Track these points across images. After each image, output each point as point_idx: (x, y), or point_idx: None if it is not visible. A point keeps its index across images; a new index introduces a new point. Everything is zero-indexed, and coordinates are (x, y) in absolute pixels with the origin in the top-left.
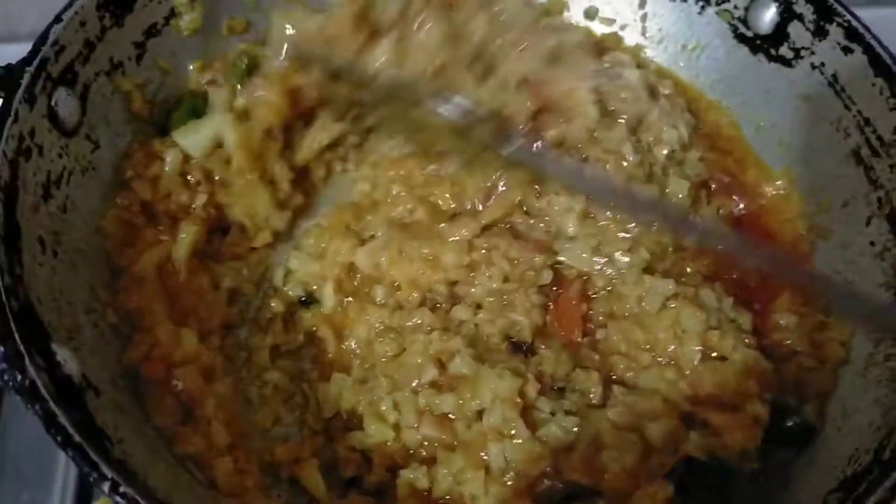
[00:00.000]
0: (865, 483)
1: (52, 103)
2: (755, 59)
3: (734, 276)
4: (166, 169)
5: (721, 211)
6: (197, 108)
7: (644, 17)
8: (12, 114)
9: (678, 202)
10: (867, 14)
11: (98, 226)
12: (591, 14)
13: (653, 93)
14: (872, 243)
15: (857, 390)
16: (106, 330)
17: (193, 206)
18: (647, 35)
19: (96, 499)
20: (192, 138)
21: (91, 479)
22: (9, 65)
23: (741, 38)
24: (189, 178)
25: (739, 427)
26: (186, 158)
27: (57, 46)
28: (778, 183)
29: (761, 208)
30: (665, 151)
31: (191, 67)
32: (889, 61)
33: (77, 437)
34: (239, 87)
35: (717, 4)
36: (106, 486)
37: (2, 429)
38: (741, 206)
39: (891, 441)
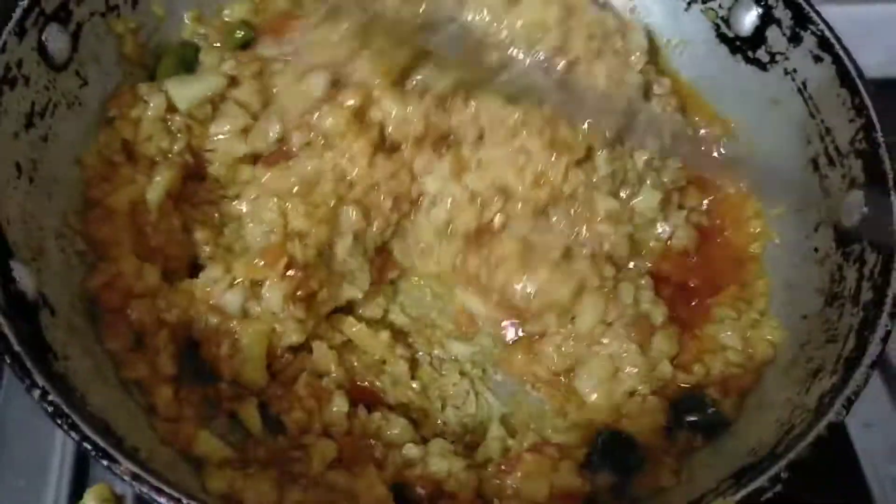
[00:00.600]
0: (754, 472)
1: (43, 38)
2: (733, 60)
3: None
4: (149, 113)
5: (690, 214)
6: (186, 57)
7: (633, 10)
8: (0, 44)
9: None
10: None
11: (78, 158)
12: None
13: (646, 93)
14: (816, 249)
15: (775, 388)
16: (72, 255)
17: (171, 151)
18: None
19: (91, 485)
20: (184, 91)
21: (25, 388)
22: None
23: (722, 37)
24: (170, 124)
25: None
26: (171, 106)
27: None
28: (741, 184)
29: (721, 205)
30: (644, 158)
31: (186, 17)
32: (854, 73)
33: (16, 346)
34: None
35: (704, 2)
36: (36, 394)
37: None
38: (705, 203)
39: (788, 436)
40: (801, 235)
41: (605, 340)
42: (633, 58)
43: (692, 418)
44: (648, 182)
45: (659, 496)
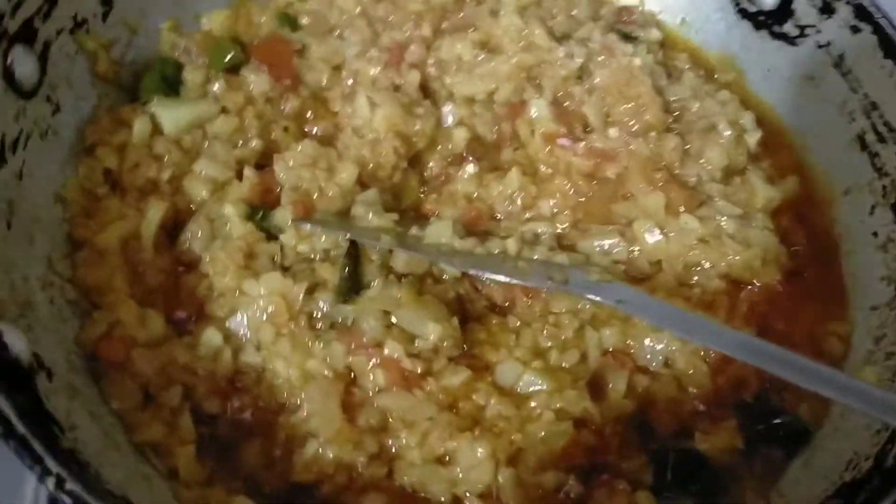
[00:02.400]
0: (865, 492)
1: (8, 62)
2: (757, 36)
3: None
4: (134, 138)
5: None
6: (167, 75)
7: None
8: None
9: None
10: None
11: (58, 194)
12: None
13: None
14: (875, 234)
15: None
16: (63, 306)
17: (160, 180)
18: (645, 7)
19: None
20: (172, 114)
21: (36, 476)
22: None
23: (743, 12)
24: (154, 150)
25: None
26: (155, 130)
27: (14, 0)
28: None
29: None
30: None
31: (162, 27)
32: None
33: (20, 428)
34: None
35: None
36: (51, 483)
37: None
38: None
39: (893, 447)
40: (856, 220)
41: None
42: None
43: (765, 425)
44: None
45: None
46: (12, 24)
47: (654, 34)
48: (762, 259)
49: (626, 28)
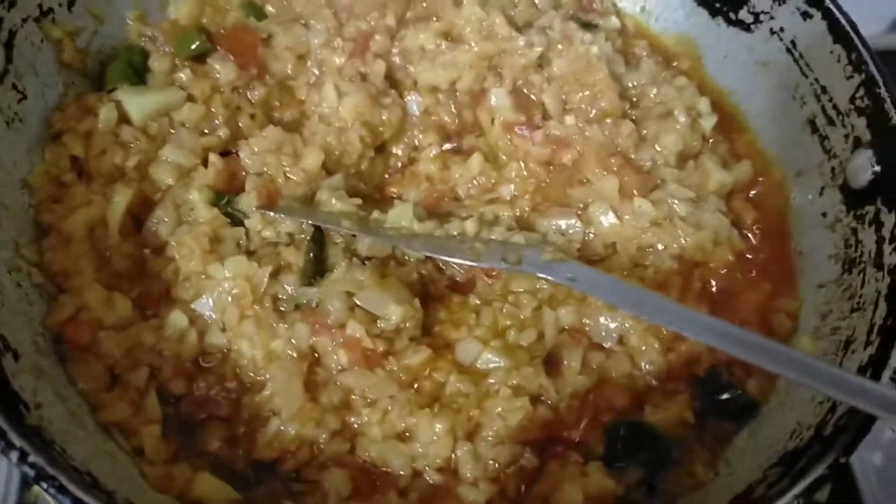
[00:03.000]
0: (805, 458)
1: None
2: (714, 23)
3: None
4: (100, 125)
5: None
6: (134, 63)
7: None
8: None
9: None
10: None
11: (24, 180)
12: None
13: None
14: (824, 214)
15: None
16: (30, 290)
17: (125, 167)
18: None
19: None
20: (138, 102)
21: None
22: None
23: (701, 0)
24: (120, 137)
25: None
26: (122, 118)
27: None
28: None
29: None
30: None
31: (128, 17)
32: (848, 27)
33: None
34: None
35: None
36: (14, 457)
37: None
38: None
39: (833, 416)
40: (806, 201)
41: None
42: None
43: (717, 398)
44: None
45: (698, 491)
46: None
47: (614, 22)
48: (714, 241)
49: (585, 16)
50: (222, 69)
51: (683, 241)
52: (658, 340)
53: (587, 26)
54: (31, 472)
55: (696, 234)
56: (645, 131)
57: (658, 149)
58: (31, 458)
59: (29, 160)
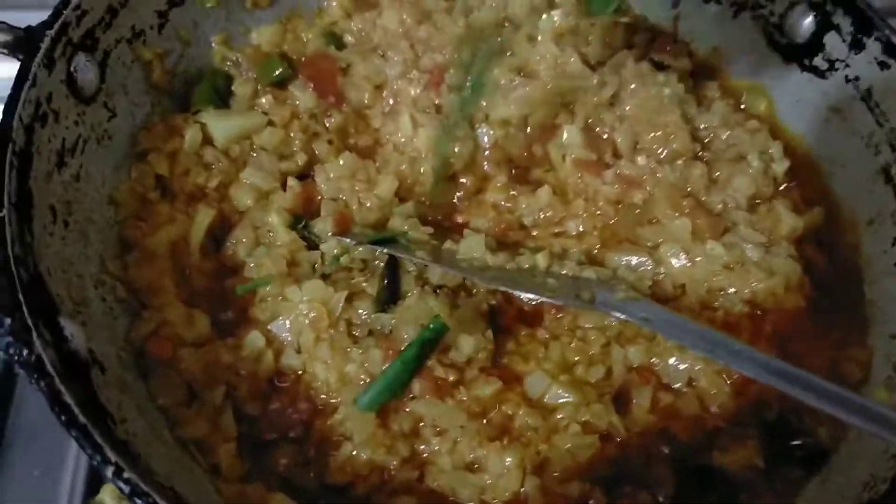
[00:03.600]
0: None
1: (72, 69)
2: (787, 68)
3: None
4: (185, 146)
5: None
6: (218, 86)
7: (676, 17)
8: (30, 78)
9: None
10: None
11: (111, 196)
12: (622, 10)
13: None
14: None
15: None
16: (114, 304)
17: (207, 187)
18: (678, 35)
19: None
20: (222, 125)
21: (94, 463)
22: (29, 27)
23: (775, 45)
24: (203, 158)
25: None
26: (205, 139)
27: (79, 10)
28: None
29: None
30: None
31: (213, 41)
32: None
33: (82, 418)
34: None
35: (753, 9)
36: (109, 471)
37: (16, 404)
38: None
39: None
40: (878, 250)
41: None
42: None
43: (787, 444)
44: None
45: None
46: (76, 34)
47: (686, 63)
48: (785, 286)
49: (658, 56)
50: (302, 96)
51: (755, 286)
52: (727, 384)
53: (660, 66)
54: (126, 488)
55: (768, 279)
56: (717, 174)
57: (730, 192)
58: (126, 474)
59: (116, 177)
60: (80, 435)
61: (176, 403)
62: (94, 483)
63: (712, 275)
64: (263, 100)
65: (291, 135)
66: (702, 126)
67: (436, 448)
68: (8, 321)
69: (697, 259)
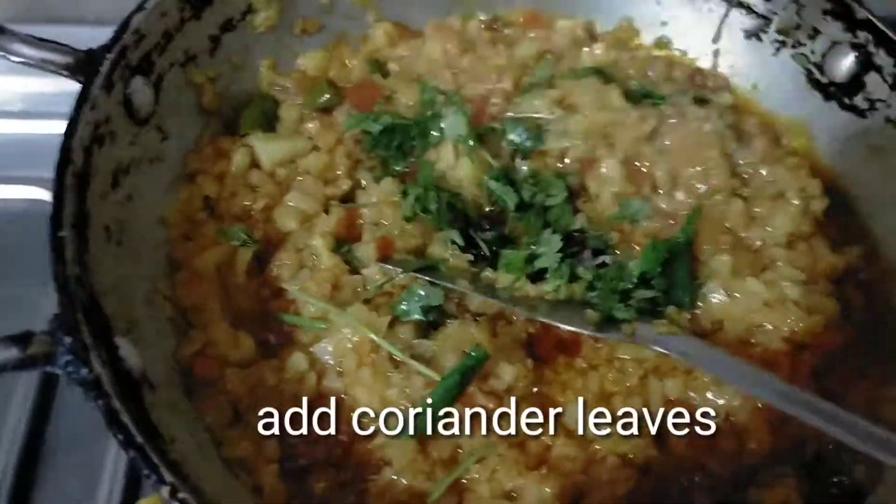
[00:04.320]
0: None
1: (128, 91)
2: (827, 106)
3: None
4: (233, 168)
5: None
6: (266, 109)
7: (717, 53)
8: (90, 100)
9: None
10: None
11: (161, 217)
12: (662, 44)
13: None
14: None
15: None
16: (162, 324)
17: (253, 209)
18: (718, 70)
19: (145, 493)
20: (269, 148)
21: (151, 483)
22: (90, 50)
23: (815, 83)
24: (250, 180)
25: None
26: (253, 162)
27: (137, 35)
28: None
29: None
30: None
31: (261, 65)
32: None
33: (139, 438)
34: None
35: (794, 47)
36: (165, 492)
37: (54, 415)
38: None
39: None
40: None
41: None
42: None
43: (825, 483)
44: None
45: None
46: (134, 56)
47: (726, 98)
48: (825, 324)
49: (698, 92)
50: (346, 117)
51: (794, 324)
52: (765, 421)
53: (701, 101)
54: None
55: (808, 318)
56: (757, 209)
57: (769, 229)
58: (181, 495)
59: (166, 198)
60: (137, 455)
61: (222, 423)
62: (130, 492)
63: (751, 311)
64: (310, 125)
65: (336, 160)
66: (741, 161)
67: (475, 476)
68: (68, 340)
69: (736, 295)
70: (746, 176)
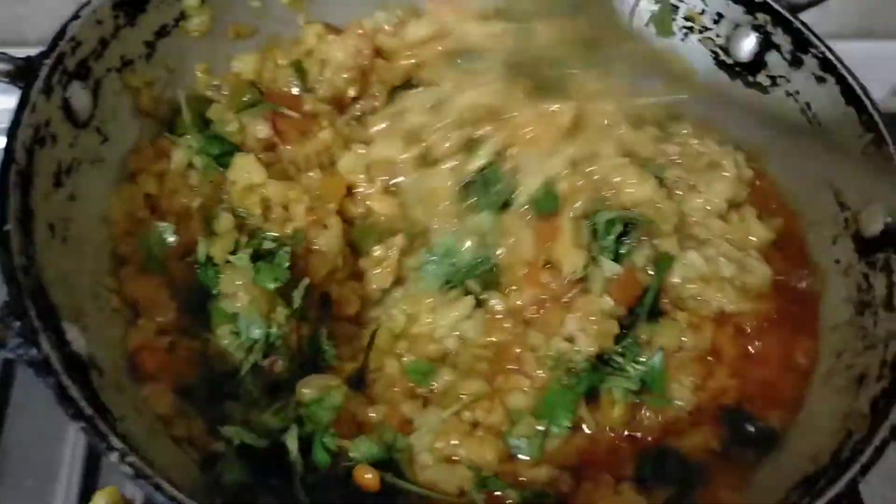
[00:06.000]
0: (823, 480)
1: (67, 95)
2: (733, 84)
3: None
4: (171, 167)
5: None
6: (202, 111)
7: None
8: (31, 104)
9: None
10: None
11: (104, 215)
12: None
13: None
14: (838, 261)
15: (819, 399)
16: (108, 314)
17: (192, 206)
18: None
19: (101, 488)
20: (203, 147)
21: (100, 451)
22: (28, 57)
23: (721, 64)
24: (189, 179)
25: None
26: (190, 162)
27: (73, 42)
28: None
29: None
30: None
31: (197, 69)
32: (860, 91)
33: (88, 410)
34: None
35: (700, 32)
36: (114, 457)
37: (10, 416)
38: None
39: (849, 442)
40: (822, 249)
41: None
42: None
43: (742, 430)
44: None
45: None
46: (71, 63)
47: None
48: (755, 294)
49: None
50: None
51: (726, 305)
52: (690, 378)
53: None
54: (131, 471)
55: (741, 297)
56: (692, 182)
57: (709, 196)
58: (130, 458)
59: (108, 197)
60: (86, 426)
61: (168, 411)
62: (87, 492)
63: (688, 282)
64: (232, 126)
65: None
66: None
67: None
68: (17, 324)
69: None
70: (679, 148)
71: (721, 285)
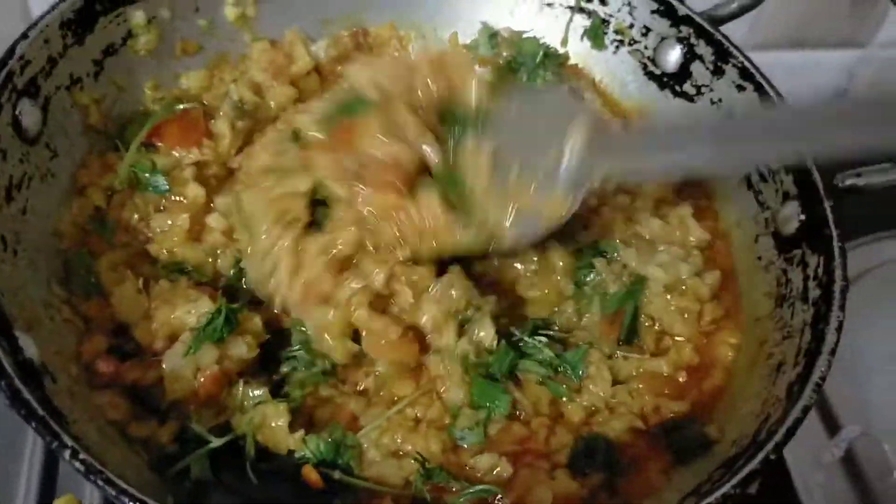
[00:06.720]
0: (742, 459)
1: (17, 112)
2: (662, 94)
3: None
4: (118, 182)
5: None
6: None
7: (566, 55)
8: None
9: None
10: (759, 57)
11: (55, 228)
12: None
13: None
14: (759, 258)
15: (742, 387)
16: (61, 324)
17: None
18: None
19: (59, 496)
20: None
21: (53, 448)
22: None
23: (650, 74)
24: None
25: None
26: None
27: (22, 60)
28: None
29: None
30: None
31: (145, 87)
32: (774, 97)
33: (40, 411)
34: None
35: (630, 45)
36: (67, 454)
37: None
38: None
39: (767, 424)
40: (745, 247)
41: None
42: None
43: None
44: None
45: (653, 496)
46: (20, 81)
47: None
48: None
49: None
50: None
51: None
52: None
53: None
54: (82, 468)
55: (693, 302)
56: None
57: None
58: (82, 455)
59: (59, 211)
60: (39, 425)
61: (122, 416)
62: (44, 502)
63: (655, 295)
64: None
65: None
66: None
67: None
68: None
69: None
70: None
71: (681, 293)
